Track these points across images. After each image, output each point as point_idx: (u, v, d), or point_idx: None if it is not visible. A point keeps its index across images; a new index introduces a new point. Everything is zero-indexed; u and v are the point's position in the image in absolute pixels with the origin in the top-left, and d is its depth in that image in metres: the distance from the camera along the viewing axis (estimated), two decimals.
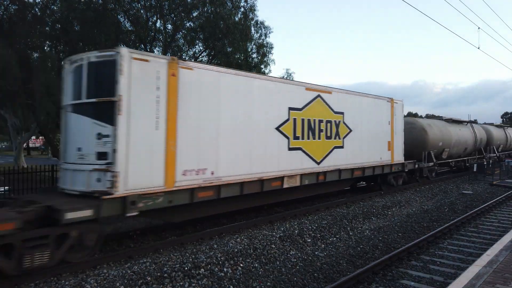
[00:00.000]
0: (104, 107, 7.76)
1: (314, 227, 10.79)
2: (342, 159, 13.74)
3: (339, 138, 13.71)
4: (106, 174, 7.56)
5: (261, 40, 24.63)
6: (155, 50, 22.86)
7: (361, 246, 9.60)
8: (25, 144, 35.40)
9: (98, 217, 7.36)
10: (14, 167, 14.41)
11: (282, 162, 11.46)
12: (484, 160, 27.60)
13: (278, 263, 8.34)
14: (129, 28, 21.26)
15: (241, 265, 8.02)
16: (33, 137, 50.49)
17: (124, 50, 7.82)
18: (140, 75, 7.99)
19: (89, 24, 18.32)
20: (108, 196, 7.44)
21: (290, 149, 11.74)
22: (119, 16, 20.51)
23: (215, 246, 8.95)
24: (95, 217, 7.28)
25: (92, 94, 7.99)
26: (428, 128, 20.26)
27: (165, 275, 7.21)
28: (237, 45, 21.20)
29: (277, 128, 11.35)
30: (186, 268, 7.52)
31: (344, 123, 13.94)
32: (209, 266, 7.74)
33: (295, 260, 8.53)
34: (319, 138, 12.82)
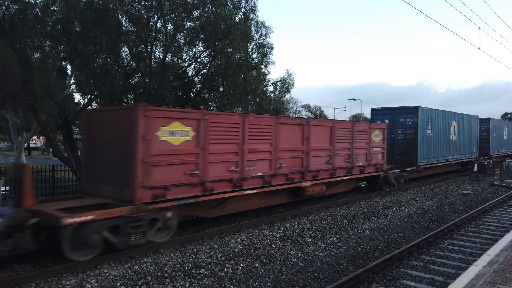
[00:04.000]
0: None
1: (315, 227, 10.80)
2: None
3: None
4: None
5: (261, 41, 24.62)
6: (155, 51, 22.88)
7: (362, 246, 9.61)
8: (26, 144, 35.45)
9: None
10: None
11: None
12: None
13: (278, 263, 8.35)
14: (130, 29, 21.27)
15: (242, 265, 8.03)
16: (34, 137, 50.55)
17: None
18: None
19: (90, 24, 18.33)
20: None
21: None
22: (120, 17, 20.52)
23: (216, 246, 8.97)
24: None
25: None
26: None
27: (166, 275, 7.22)
28: (238, 46, 21.19)
29: None
30: (186, 268, 7.54)
31: None
32: (209, 266, 7.75)
33: (295, 260, 8.54)
34: None
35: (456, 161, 24.20)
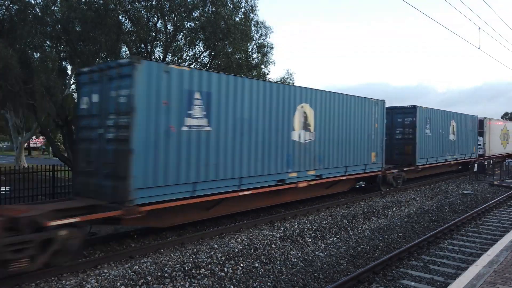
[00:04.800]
0: None
1: (315, 227, 10.80)
2: None
3: None
4: None
5: (261, 40, 24.64)
6: (155, 51, 22.89)
7: (362, 246, 9.61)
8: (26, 144, 35.48)
9: None
10: (15, 167, 14.45)
11: None
12: None
13: (278, 263, 8.35)
14: (130, 29, 21.28)
15: (242, 265, 8.03)
16: (34, 137, 50.55)
17: None
18: None
19: (90, 24, 18.34)
20: None
21: None
22: (120, 17, 20.53)
23: (216, 246, 8.96)
24: None
25: None
26: None
27: (166, 275, 7.22)
28: (238, 46, 21.20)
29: None
30: (186, 268, 7.54)
31: None
32: (209, 266, 7.75)
33: (295, 260, 8.54)
34: None
35: (324, 180, 13.26)
